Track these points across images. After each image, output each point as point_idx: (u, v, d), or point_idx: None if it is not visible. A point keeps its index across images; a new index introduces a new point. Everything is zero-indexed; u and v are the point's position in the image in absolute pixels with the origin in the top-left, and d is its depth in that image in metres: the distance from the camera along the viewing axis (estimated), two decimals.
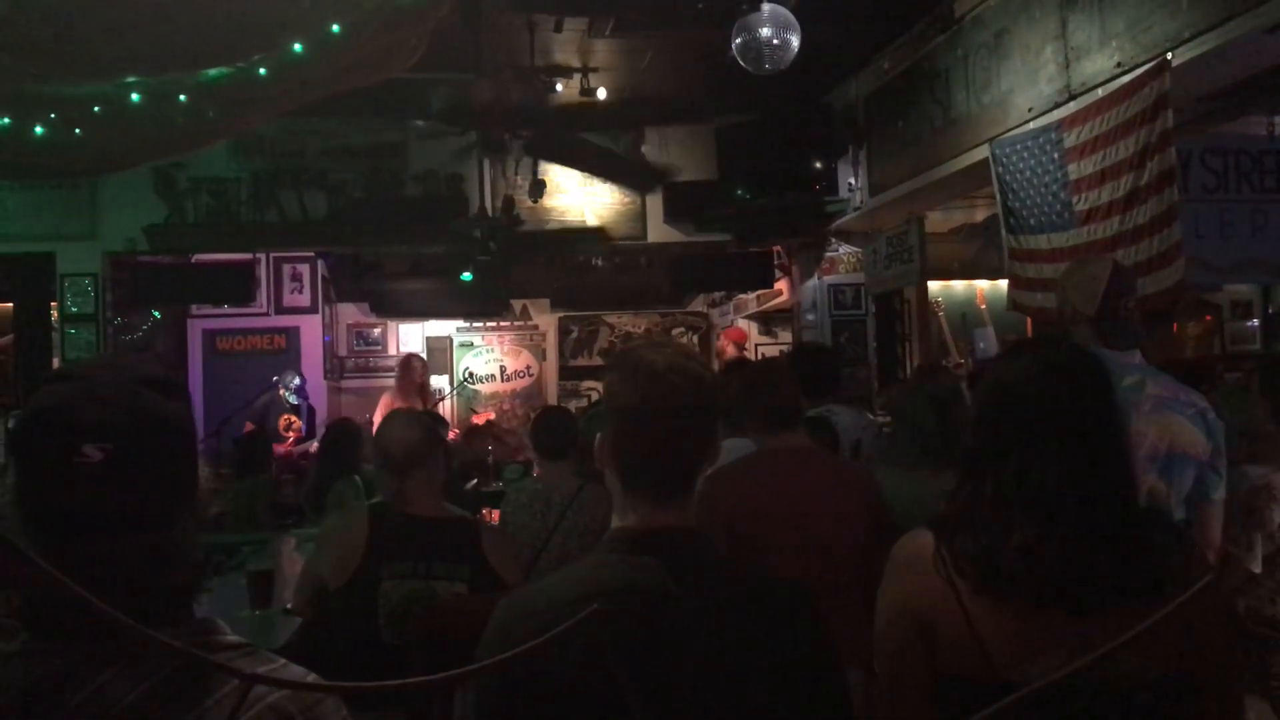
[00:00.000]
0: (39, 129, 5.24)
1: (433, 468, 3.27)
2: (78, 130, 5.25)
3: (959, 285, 8.76)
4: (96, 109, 5.07)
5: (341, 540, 3.21)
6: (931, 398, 3.67)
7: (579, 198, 8.66)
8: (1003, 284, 8.26)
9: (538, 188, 8.18)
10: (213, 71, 5.09)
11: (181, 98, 5.14)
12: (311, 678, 1.20)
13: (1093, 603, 1.56)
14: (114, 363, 1.28)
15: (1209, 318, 8.11)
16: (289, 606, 3.62)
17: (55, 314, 8.17)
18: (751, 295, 10.77)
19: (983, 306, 8.44)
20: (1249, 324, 8.36)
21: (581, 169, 8.63)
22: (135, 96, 5.03)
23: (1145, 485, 2.70)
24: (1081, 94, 4.87)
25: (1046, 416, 1.65)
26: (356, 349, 12.16)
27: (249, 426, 9.20)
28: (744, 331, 11.05)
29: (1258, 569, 3.29)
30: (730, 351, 9.61)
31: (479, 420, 11.09)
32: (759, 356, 10.87)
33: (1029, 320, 7.17)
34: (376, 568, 3.09)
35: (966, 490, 1.70)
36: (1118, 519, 1.62)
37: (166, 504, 1.21)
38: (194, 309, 10.64)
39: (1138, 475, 1.70)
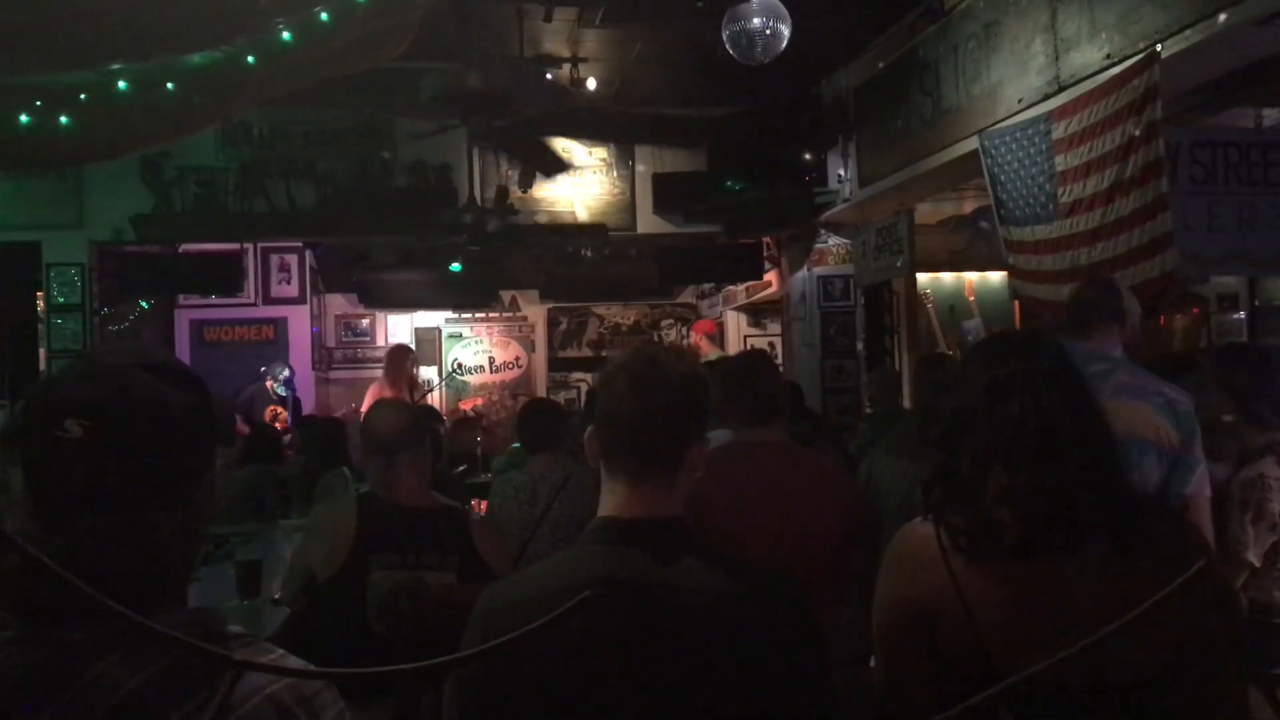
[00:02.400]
0: (24, 118, 5.19)
1: (419, 454, 3.26)
2: (63, 119, 5.21)
3: (948, 277, 8.79)
4: (82, 97, 5.04)
5: (330, 530, 3.19)
6: (937, 385, 3.70)
7: (568, 188, 8.64)
8: (991, 275, 8.32)
9: (526, 178, 8.16)
10: (200, 58, 5.06)
11: (169, 85, 5.11)
12: (310, 668, 1.19)
13: (1073, 539, 1.60)
14: (123, 348, 1.28)
15: (1196, 310, 8.14)
16: (277, 597, 3.62)
17: (41, 304, 8.11)
18: (741, 287, 10.78)
19: (971, 298, 8.46)
20: (1235, 316, 8.41)
21: (569, 154, 8.60)
22: (121, 84, 4.99)
23: None
24: (1071, 85, 4.88)
25: (1002, 383, 1.72)
26: (345, 340, 12.13)
27: (238, 420, 9.18)
28: (713, 323, 11.07)
29: (1257, 563, 3.28)
30: (703, 346, 9.60)
31: (465, 407, 11.08)
32: (748, 348, 10.88)
33: (1017, 311, 7.19)
34: (365, 558, 3.07)
35: (947, 472, 1.74)
36: (1085, 457, 1.67)
37: (150, 486, 1.19)
38: (181, 299, 10.61)
39: (1108, 424, 1.75)
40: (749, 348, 10.30)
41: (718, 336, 11.05)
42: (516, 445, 6.92)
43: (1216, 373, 3.49)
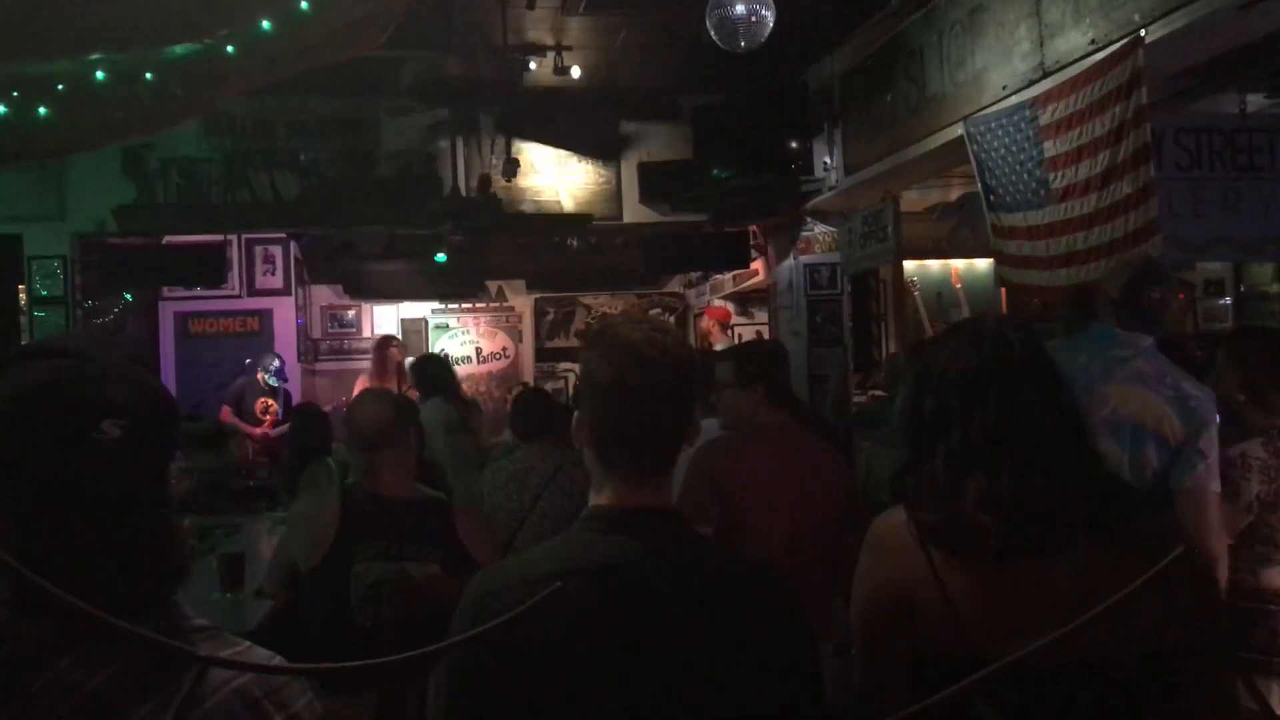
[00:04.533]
0: (1, 108, 5.14)
1: (404, 447, 3.24)
2: (42, 110, 5.16)
3: (934, 264, 8.77)
4: (60, 88, 4.98)
5: (313, 522, 3.17)
6: None
7: (553, 178, 8.59)
8: (978, 263, 8.31)
9: (511, 167, 8.11)
10: (179, 49, 5.02)
11: (148, 76, 5.06)
12: (276, 660, 1.18)
13: (1055, 542, 1.59)
14: (99, 340, 1.26)
15: (1182, 296, 8.15)
16: (260, 589, 3.60)
17: (23, 297, 8.04)
18: (727, 276, 10.76)
19: (958, 286, 8.45)
20: (1221, 302, 8.44)
21: (554, 144, 8.56)
22: (100, 75, 4.94)
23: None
24: (1056, 71, 4.86)
25: (986, 378, 1.68)
26: (331, 331, 12.07)
27: (225, 410, 9.12)
28: (728, 310, 11.06)
29: (1227, 539, 3.29)
30: (715, 334, 9.61)
31: None
32: (736, 337, 10.87)
33: (1003, 298, 7.20)
34: (348, 549, 3.06)
35: (918, 464, 1.72)
36: (1065, 459, 1.65)
37: (165, 483, 1.20)
38: (165, 291, 10.52)
39: (1084, 419, 1.73)
40: (738, 338, 10.27)
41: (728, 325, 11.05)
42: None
43: (1230, 351, 3.51)
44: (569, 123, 8.51)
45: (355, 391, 8.88)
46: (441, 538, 3.13)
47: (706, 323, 10.17)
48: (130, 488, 1.15)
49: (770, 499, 3.24)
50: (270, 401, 9.37)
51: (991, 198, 5.42)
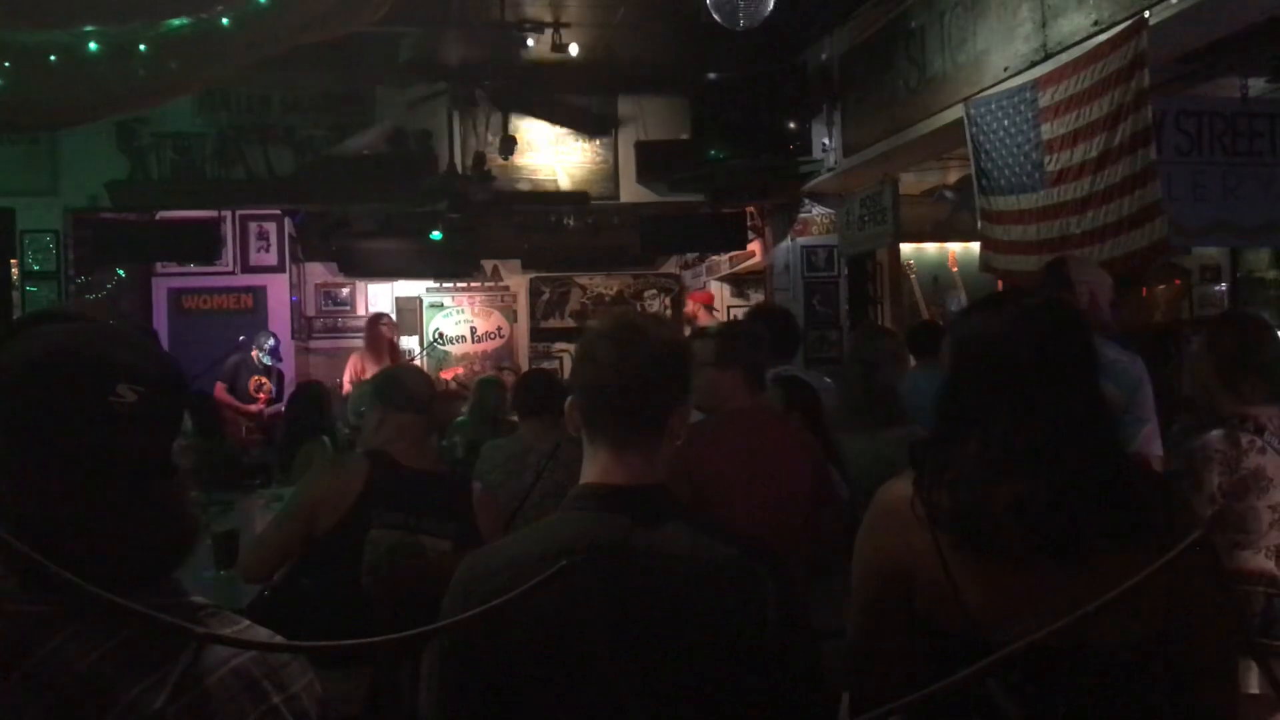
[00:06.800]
0: None
1: (431, 418, 3.25)
2: (34, 82, 5.10)
3: (931, 247, 8.76)
4: (52, 58, 4.93)
5: (335, 484, 3.12)
6: (861, 361, 3.80)
7: (550, 156, 8.54)
8: (975, 246, 8.27)
9: (508, 145, 8.06)
10: (174, 22, 4.96)
11: (142, 48, 5.01)
12: (276, 640, 1.16)
13: (1081, 550, 1.55)
14: (101, 309, 1.25)
15: (1178, 281, 8.14)
16: None
17: (15, 272, 8.00)
18: (724, 257, 10.74)
19: (954, 269, 8.44)
20: (1217, 288, 8.41)
21: (552, 122, 8.51)
22: (93, 46, 4.89)
23: None
24: (1058, 53, 4.84)
25: (1033, 370, 1.62)
26: (325, 309, 12.03)
27: (220, 387, 9.09)
28: (712, 295, 11.04)
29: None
30: (700, 316, 9.60)
31: (446, 376, 11.04)
32: (730, 319, 10.85)
33: (999, 283, 7.19)
34: (367, 514, 3.03)
35: (943, 446, 1.67)
36: (1104, 465, 1.61)
37: (173, 454, 1.19)
38: (159, 267, 10.50)
39: (1117, 420, 1.70)
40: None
41: (716, 307, 11.01)
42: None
43: (1209, 335, 3.47)
44: (566, 100, 8.46)
45: (348, 371, 8.88)
46: (457, 514, 3.12)
47: (691, 307, 10.14)
48: (143, 455, 1.14)
49: (738, 481, 3.21)
50: (264, 380, 9.34)
51: (984, 181, 5.40)
